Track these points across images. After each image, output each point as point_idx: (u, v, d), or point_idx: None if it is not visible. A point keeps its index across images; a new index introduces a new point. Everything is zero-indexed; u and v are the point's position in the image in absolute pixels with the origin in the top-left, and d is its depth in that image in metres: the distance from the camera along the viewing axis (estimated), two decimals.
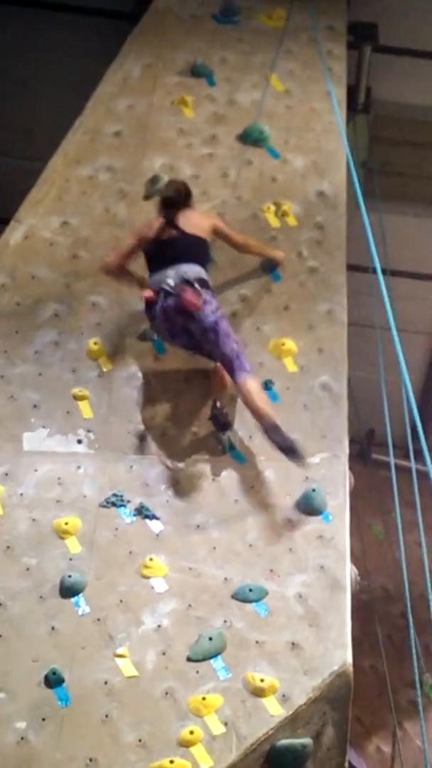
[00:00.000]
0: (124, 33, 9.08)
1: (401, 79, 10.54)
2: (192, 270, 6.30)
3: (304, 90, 8.43)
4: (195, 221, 6.53)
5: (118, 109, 8.25)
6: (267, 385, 6.46)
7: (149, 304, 6.28)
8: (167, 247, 6.39)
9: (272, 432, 5.93)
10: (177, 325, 6.26)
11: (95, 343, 6.66)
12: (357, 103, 10.09)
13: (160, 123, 8.14)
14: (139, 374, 6.57)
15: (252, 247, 6.98)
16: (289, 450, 5.90)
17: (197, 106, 8.29)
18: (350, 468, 6.21)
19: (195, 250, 6.42)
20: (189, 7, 9.18)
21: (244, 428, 6.25)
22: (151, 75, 8.52)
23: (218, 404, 6.12)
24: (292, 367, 6.59)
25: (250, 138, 7.96)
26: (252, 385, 6.09)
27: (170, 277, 6.25)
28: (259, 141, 7.97)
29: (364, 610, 9.69)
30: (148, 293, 6.23)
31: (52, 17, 10.65)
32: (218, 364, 6.30)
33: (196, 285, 6.20)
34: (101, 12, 10.56)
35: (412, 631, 6.05)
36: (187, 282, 6.21)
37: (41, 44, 10.82)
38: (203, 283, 6.28)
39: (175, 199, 6.51)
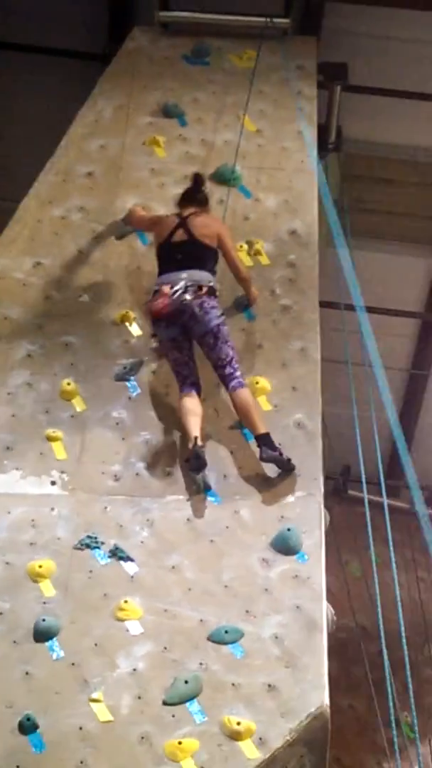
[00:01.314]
0: (95, 74, 9.13)
1: (371, 117, 10.65)
2: (203, 277, 6.56)
3: (275, 129, 8.49)
4: (205, 227, 6.82)
5: (91, 149, 8.28)
6: (241, 425, 6.45)
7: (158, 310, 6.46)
8: (178, 251, 6.67)
9: (264, 444, 6.12)
10: (178, 320, 6.44)
11: (68, 384, 6.64)
12: (328, 142, 10.16)
13: (132, 163, 8.18)
14: (114, 414, 6.55)
15: (242, 272, 7.07)
16: (280, 462, 6.12)
17: (169, 146, 8.33)
18: (326, 504, 6.21)
19: (203, 257, 6.70)
20: (160, 49, 9.24)
21: (219, 467, 6.23)
22: (122, 115, 8.56)
23: (199, 443, 6.09)
24: (266, 406, 6.59)
25: (223, 177, 8.01)
26: (246, 396, 6.37)
27: (183, 279, 6.48)
28: (231, 180, 8.01)
29: (341, 648, 9.63)
30: (163, 304, 6.40)
31: (24, 58, 10.70)
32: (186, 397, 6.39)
33: (205, 289, 6.50)
34: (73, 53, 10.62)
35: (387, 669, 6.00)
36: (199, 287, 6.48)
37: (13, 85, 10.86)
38: (211, 290, 6.55)
39: (194, 191, 7.06)
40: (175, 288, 6.45)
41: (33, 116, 10.76)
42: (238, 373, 6.45)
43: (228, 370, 6.44)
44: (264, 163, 8.21)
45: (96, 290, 7.28)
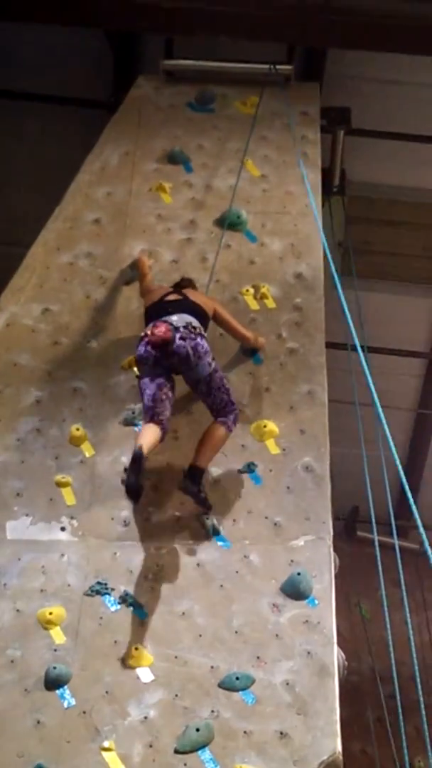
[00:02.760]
0: (101, 121, 9.25)
1: (374, 160, 10.76)
2: (194, 319, 6.43)
3: (279, 174, 8.58)
4: (199, 296, 6.82)
5: (97, 196, 8.37)
6: (249, 468, 6.47)
7: (159, 342, 6.25)
8: (168, 306, 6.56)
9: (191, 477, 6.09)
10: (167, 362, 6.27)
11: (77, 429, 6.67)
12: (332, 185, 10.25)
13: (138, 209, 8.26)
14: (123, 459, 6.55)
15: (247, 335, 7.06)
16: (199, 500, 6.14)
17: (175, 192, 8.42)
18: (335, 545, 6.21)
19: (196, 313, 6.56)
20: (165, 96, 9.36)
21: (228, 512, 6.24)
22: (129, 162, 8.65)
23: (144, 450, 5.90)
24: (274, 449, 6.60)
25: (228, 222, 8.08)
26: (219, 431, 6.30)
27: (174, 320, 6.33)
28: (236, 225, 8.08)
29: (353, 692, 9.58)
30: (164, 331, 6.21)
31: (31, 107, 10.83)
32: None
33: (198, 329, 6.36)
34: (79, 101, 10.75)
35: (400, 714, 5.97)
36: (192, 326, 6.33)
37: (20, 133, 11.00)
38: (202, 331, 6.42)
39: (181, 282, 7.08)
40: (168, 323, 6.30)
41: (40, 163, 10.88)
42: (229, 417, 6.36)
43: (219, 415, 6.37)
44: (269, 208, 8.28)
45: (104, 336, 7.33)
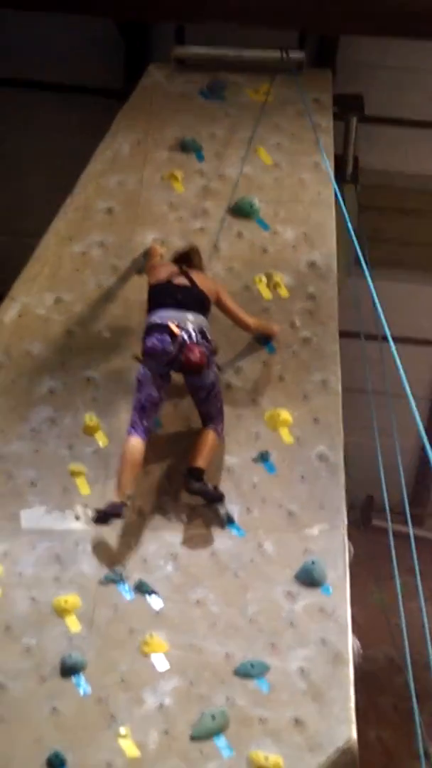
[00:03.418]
0: (113, 110, 9.20)
1: (388, 147, 10.70)
2: (205, 324, 6.50)
3: (291, 162, 8.53)
4: (206, 281, 6.80)
5: (109, 185, 8.35)
6: (263, 457, 6.47)
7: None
8: (178, 292, 6.57)
9: (192, 476, 6.15)
10: (177, 368, 6.34)
11: (91, 419, 6.68)
12: (345, 173, 10.19)
13: (150, 198, 8.24)
14: None
15: (250, 323, 7.03)
16: (207, 494, 6.17)
17: (187, 180, 8.39)
18: (350, 534, 6.22)
19: (203, 304, 6.61)
20: (177, 84, 9.31)
21: (243, 501, 6.25)
22: (140, 151, 8.63)
23: (126, 501, 6.01)
24: (288, 438, 6.60)
25: (241, 211, 8.06)
26: (211, 436, 6.39)
27: (190, 322, 6.38)
28: (249, 213, 8.06)
29: (368, 679, 9.56)
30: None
31: (41, 96, 10.80)
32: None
33: (205, 340, 6.40)
34: (90, 90, 10.72)
35: (414, 701, 5.97)
36: (202, 333, 6.38)
37: (31, 122, 10.96)
38: (207, 338, 6.46)
39: (182, 255, 7.01)
40: (187, 333, 6.32)
41: (51, 153, 10.85)
42: (218, 425, 6.46)
43: (210, 422, 6.46)
44: (281, 196, 8.25)
45: (117, 325, 7.32)
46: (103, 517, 5.94)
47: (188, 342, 6.28)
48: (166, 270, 6.83)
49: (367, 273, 5.97)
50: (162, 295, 6.59)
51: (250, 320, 7.05)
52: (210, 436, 6.39)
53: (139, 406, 6.31)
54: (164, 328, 6.35)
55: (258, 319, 7.15)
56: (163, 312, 6.46)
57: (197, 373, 6.29)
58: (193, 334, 6.34)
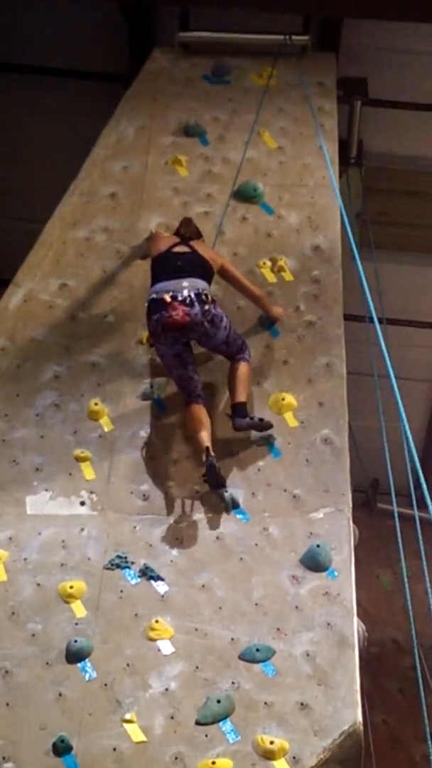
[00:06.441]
0: (117, 95, 9.18)
1: (392, 130, 10.66)
2: (203, 285, 6.52)
3: (296, 146, 8.51)
4: (207, 251, 6.87)
5: (113, 170, 8.34)
6: (268, 441, 6.47)
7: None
8: (178, 259, 6.63)
9: (237, 414, 6.35)
10: (186, 336, 6.43)
11: (96, 404, 6.68)
12: (349, 156, 10.19)
13: (155, 183, 8.23)
14: (141, 433, 6.59)
15: (257, 297, 7.07)
16: (256, 426, 6.38)
17: (191, 165, 8.37)
18: (356, 518, 6.22)
19: (204, 268, 6.66)
20: (181, 69, 9.29)
21: (247, 485, 6.25)
22: (144, 136, 8.61)
23: (211, 453, 6.10)
24: (292, 422, 6.60)
25: (245, 195, 8.04)
26: (244, 368, 6.61)
27: (185, 288, 6.42)
28: (253, 198, 8.04)
29: (374, 662, 9.61)
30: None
31: (45, 81, 10.78)
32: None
33: (210, 298, 6.47)
34: (94, 75, 10.69)
35: (420, 684, 5.99)
36: (205, 295, 6.42)
37: (35, 107, 10.94)
38: (214, 301, 6.53)
39: (182, 232, 6.95)
40: (181, 297, 6.33)
41: (55, 138, 10.84)
42: (245, 353, 6.67)
43: (238, 354, 6.65)
44: (286, 180, 8.23)
45: (121, 310, 7.32)
46: (213, 477, 6.05)
47: (172, 302, 6.31)
48: (167, 241, 6.87)
49: (357, 255, 5.96)
50: (162, 266, 6.64)
51: (257, 290, 7.10)
52: (242, 368, 6.59)
53: (179, 385, 6.55)
54: (159, 303, 6.36)
55: (270, 306, 7.16)
56: (159, 285, 6.48)
57: (180, 332, 6.32)
58: (187, 296, 6.35)
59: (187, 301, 6.32)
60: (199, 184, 8.21)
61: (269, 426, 6.43)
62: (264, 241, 7.79)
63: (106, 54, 10.62)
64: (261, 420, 6.43)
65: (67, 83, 10.76)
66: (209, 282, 6.64)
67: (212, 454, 6.10)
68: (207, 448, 6.12)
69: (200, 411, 6.39)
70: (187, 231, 6.95)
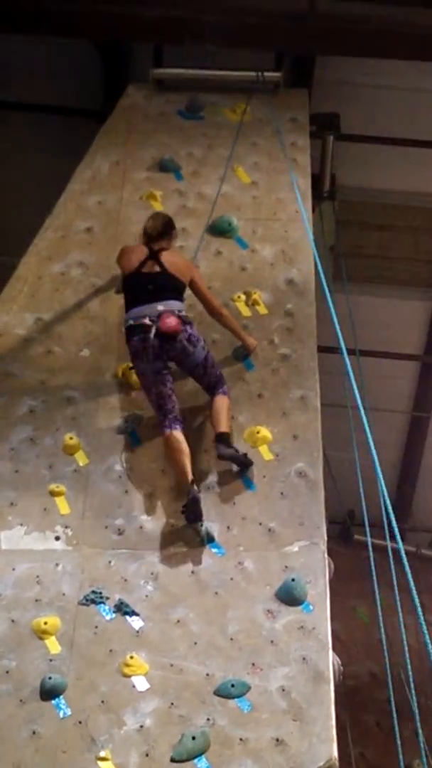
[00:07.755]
0: (92, 131, 9.26)
1: (364, 164, 10.80)
2: (179, 306, 6.72)
3: (269, 181, 8.59)
4: (178, 264, 6.93)
5: (89, 205, 8.39)
6: (242, 474, 6.48)
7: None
8: (149, 282, 6.75)
9: (221, 442, 6.41)
10: (165, 355, 6.57)
11: (71, 438, 6.68)
12: (323, 190, 10.29)
13: (130, 217, 8.27)
14: (116, 467, 6.58)
15: (224, 317, 7.14)
16: (236, 459, 6.41)
17: (166, 199, 8.43)
18: (332, 549, 6.22)
19: (175, 289, 6.81)
20: (155, 105, 9.38)
21: (222, 519, 6.25)
22: (119, 171, 8.67)
23: (195, 487, 6.15)
24: (267, 455, 6.61)
25: (219, 229, 8.11)
26: (225, 401, 6.69)
27: (161, 312, 6.60)
28: (227, 232, 8.11)
29: (352, 695, 9.57)
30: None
31: (20, 116, 10.86)
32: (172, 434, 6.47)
33: (186, 319, 6.68)
34: (69, 111, 10.77)
35: (395, 718, 5.98)
36: (178, 316, 6.60)
37: (10, 142, 11.01)
38: (190, 322, 6.72)
39: (150, 232, 6.98)
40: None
41: (31, 173, 10.90)
42: (223, 387, 6.76)
43: (216, 387, 6.75)
44: (259, 214, 8.30)
45: (96, 344, 7.34)
46: (191, 508, 6.08)
47: (163, 313, 6.55)
48: (136, 255, 6.91)
49: (327, 290, 6.03)
50: (135, 289, 6.78)
51: (222, 308, 7.16)
52: (223, 401, 6.68)
53: (156, 406, 6.59)
54: (140, 328, 6.58)
55: (239, 330, 7.22)
56: (136, 311, 6.67)
57: (174, 339, 6.51)
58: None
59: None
60: (173, 218, 8.23)
61: (250, 464, 6.46)
62: (238, 275, 7.84)
63: (81, 90, 10.73)
64: (245, 455, 6.46)
65: (42, 119, 10.85)
66: (182, 299, 6.83)
67: (196, 488, 6.14)
68: (192, 481, 6.17)
69: (179, 439, 6.41)
70: (154, 230, 6.98)
